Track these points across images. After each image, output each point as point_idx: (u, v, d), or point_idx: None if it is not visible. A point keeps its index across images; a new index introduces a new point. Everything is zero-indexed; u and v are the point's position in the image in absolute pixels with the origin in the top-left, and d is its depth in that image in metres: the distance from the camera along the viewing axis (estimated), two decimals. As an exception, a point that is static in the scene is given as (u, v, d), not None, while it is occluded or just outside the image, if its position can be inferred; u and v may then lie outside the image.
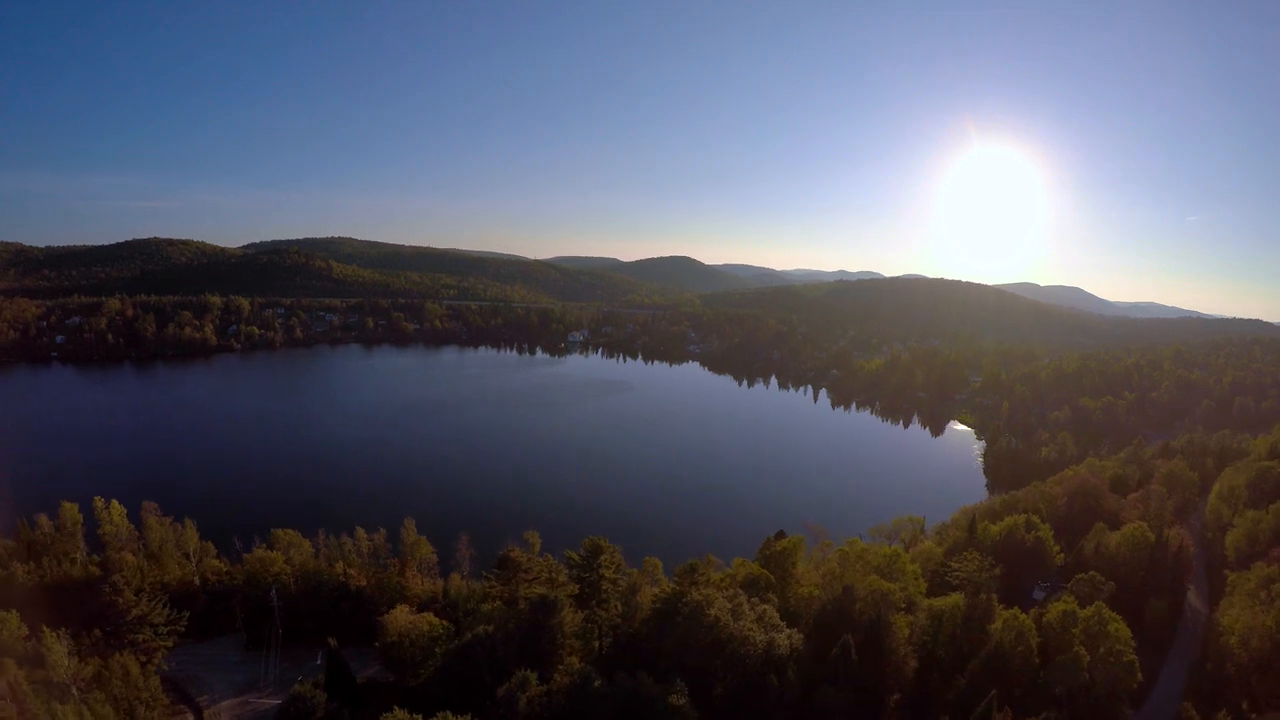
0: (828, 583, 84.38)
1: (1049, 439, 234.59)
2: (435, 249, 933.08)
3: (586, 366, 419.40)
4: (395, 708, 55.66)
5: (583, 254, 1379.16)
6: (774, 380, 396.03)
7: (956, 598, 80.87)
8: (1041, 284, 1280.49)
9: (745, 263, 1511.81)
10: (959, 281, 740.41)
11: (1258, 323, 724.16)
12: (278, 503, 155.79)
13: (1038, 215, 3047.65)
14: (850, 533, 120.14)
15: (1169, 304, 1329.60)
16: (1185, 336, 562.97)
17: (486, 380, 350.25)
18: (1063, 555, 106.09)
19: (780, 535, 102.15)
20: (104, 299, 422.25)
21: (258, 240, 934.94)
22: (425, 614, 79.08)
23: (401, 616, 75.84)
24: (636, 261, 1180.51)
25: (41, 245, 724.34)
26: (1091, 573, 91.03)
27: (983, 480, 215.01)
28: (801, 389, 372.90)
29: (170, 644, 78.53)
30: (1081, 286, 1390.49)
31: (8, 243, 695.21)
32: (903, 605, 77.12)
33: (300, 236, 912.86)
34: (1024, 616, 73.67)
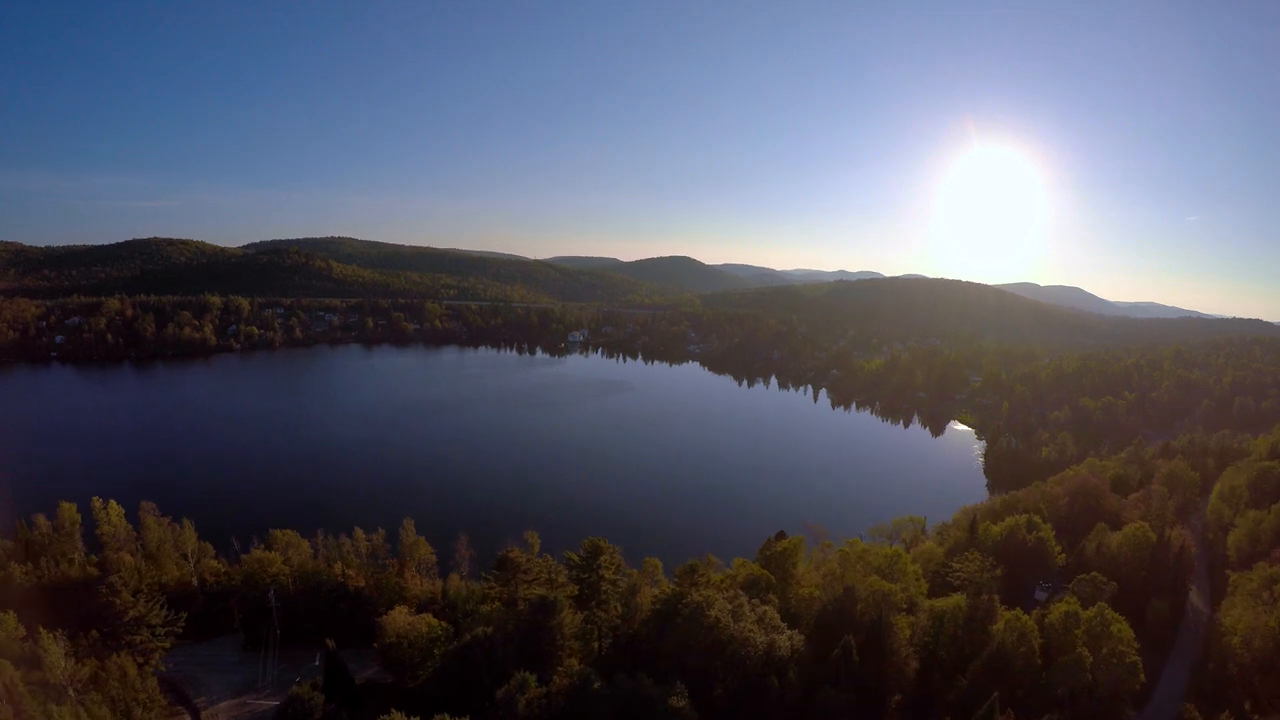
0: (828, 583, 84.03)
1: (1049, 439, 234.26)
2: (435, 249, 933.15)
3: (586, 366, 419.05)
4: (393, 709, 55.33)
5: (583, 254, 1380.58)
6: (774, 380, 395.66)
7: (958, 598, 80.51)
8: (1041, 284, 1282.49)
9: (745, 263, 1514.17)
10: (959, 281, 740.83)
11: (1258, 322, 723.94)
12: (277, 503, 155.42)
13: (1038, 215, 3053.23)
14: (850, 533, 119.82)
15: (1169, 304, 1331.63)
16: (1185, 336, 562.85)
17: (486, 380, 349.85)
18: (1064, 555, 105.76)
19: (781, 535, 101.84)
20: (103, 299, 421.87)
21: (258, 240, 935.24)
22: (424, 615, 78.75)
23: (400, 617, 75.50)
24: (636, 261, 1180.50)
25: (41, 245, 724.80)
26: (1093, 573, 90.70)
27: (983, 480, 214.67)
28: (801, 389, 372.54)
29: (168, 645, 78.19)
30: (1081, 286, 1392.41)
31: (7, 242, 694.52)
32: (904, 606, 76.79)
33: (300, 236, 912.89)
34: (1026, 617, 73.32)
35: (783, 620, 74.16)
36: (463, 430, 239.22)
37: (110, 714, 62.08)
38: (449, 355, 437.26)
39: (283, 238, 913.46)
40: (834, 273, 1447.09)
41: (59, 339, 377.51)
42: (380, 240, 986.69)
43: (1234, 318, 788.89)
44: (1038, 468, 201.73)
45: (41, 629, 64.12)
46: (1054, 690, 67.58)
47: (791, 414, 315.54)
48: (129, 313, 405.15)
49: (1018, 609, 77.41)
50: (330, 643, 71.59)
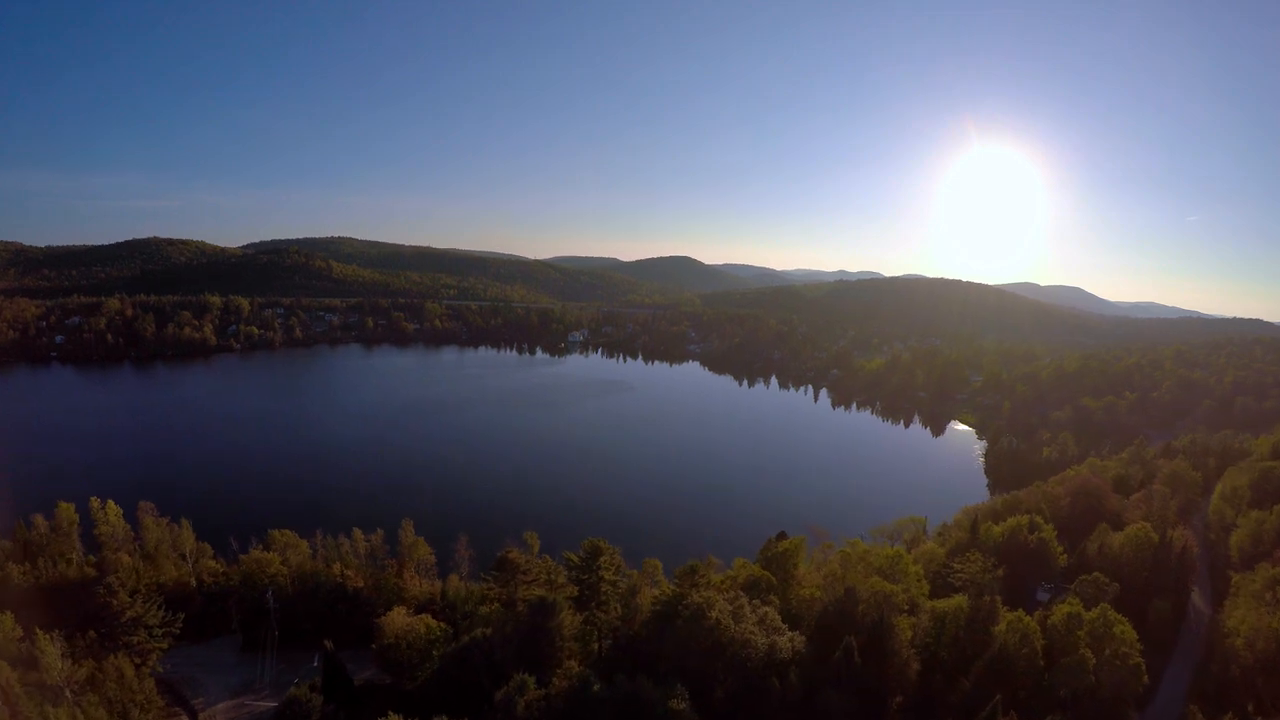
0: (829, 584, 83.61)
1: (1050, 439, 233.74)
2: (435, 249, 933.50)
3: (586, 366, 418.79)
4: (392, 711, 55.01)
5: (583, 254, 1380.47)
6: (774, 380, 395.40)
7: (960, 599, 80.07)
8: (1042, 284, 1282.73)
9: (745, 263, 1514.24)
10: (959, 281, 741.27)
11: (1258, 322, 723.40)
12: (276, 503, 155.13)
13: (1038, 215, 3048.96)
14: (851, 533, 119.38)
15: (1169, 304, 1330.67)
16: (1186, 336, 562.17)
17: (486, 380, 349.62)
18: (1066, 556, 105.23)
19: (781, 536, 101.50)
20: (103, 299, 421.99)
21: (258, 240, 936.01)
22: (423, 616, 78.46)
23: (398, 618, 75.20)
24: (636, 261, 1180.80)
25: (41, 245, 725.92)
26: (1095, 574, 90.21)
27: (984, 480, 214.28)
28: (802, 389, 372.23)
29: (165, 646, 77.80)
30: (1082, 286, 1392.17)
31: (7, 242, 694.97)
32: (905, 607, 76.36)
33: (300, 236, 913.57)
34: (1028, 618, 72.85)
35: (783, 621, 73.74)
36: (462, 430, 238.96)
37: (107, 715, 61.70)
38: (449, 355, 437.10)
39: (283, 238, 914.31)
40: (834, 273, 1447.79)
41: (59, 339, 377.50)
42: (380, 240, 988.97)
43: (1234, 318, 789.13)
44: (1039, 468, 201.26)
45: (38, 629, 63.78)
46: (1056, 692, 67.18)
47: (792, 414, 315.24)
48: (129, 313, 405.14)
49: (1020, 610, 76.92)
50: (328, 643, 71.23)
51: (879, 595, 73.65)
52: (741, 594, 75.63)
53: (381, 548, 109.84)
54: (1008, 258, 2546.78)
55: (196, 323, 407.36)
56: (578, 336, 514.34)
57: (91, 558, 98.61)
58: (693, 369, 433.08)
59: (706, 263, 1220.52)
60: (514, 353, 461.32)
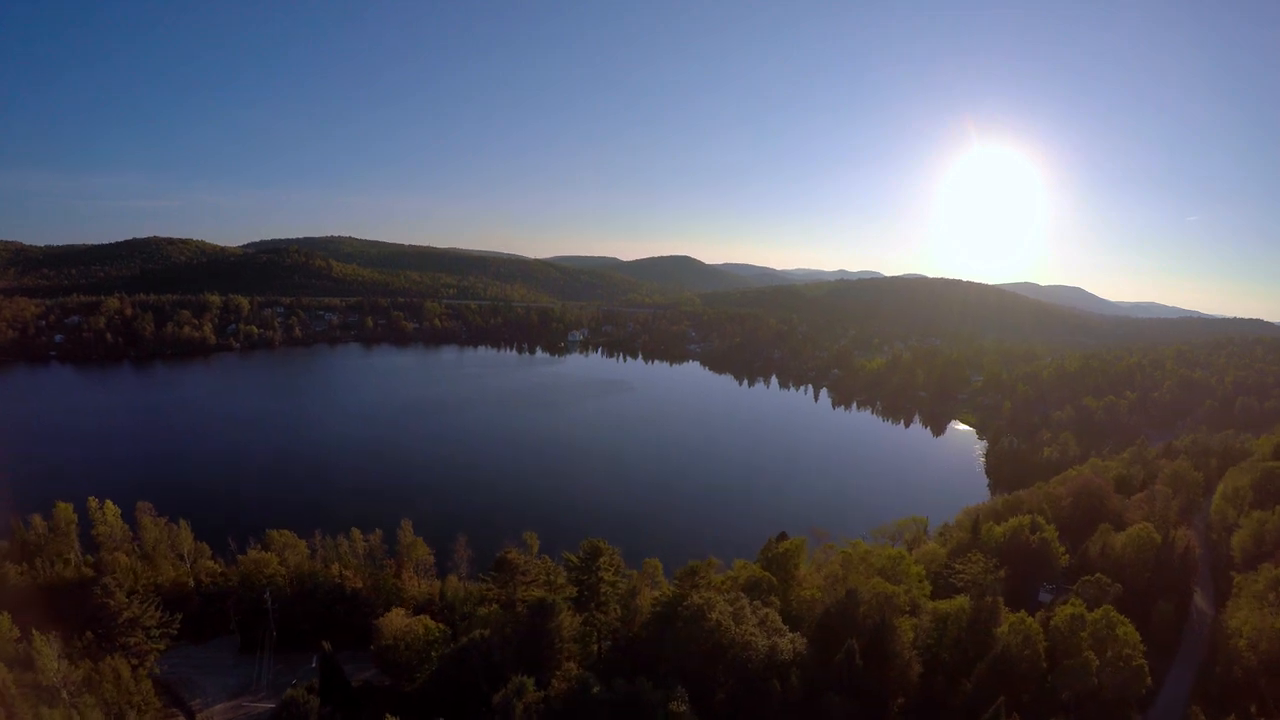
0: (830, 585, 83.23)
1: (1051, 439, 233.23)
2: (435, 248, 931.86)
3: (586, 366, 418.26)
4: (390, 713, 54.69)
5: (583, 253, 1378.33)
6: (774, 380, 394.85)
7: (961, 600, 79.66)
8: (1042, 284, 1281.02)
9: (745, 262, 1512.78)
10: (959, 281, 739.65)
11: (1258, 322, 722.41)
12: (275, 503, 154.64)
13: (1038, 215, 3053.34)
14: (851, 533, 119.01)
15: (1169, 304, 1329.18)
16: (1186, 336, 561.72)
17: (486, 380, 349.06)
18: (1068, 556, 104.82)
19: (782, 536, 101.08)
20: (103, 298, 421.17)
21: (257, 239, 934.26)
22: (421, 617, 77.99)
23: (397, 619, 74.75)
24: (636, 261, 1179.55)
25: (41, 244, 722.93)
26: (1098, 574, 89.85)
27: (985, 480, 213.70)
28: (802, 388, 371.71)
29: (162, 647, 77.44)
30: (1082, 286, 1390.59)
31: (7, 242, 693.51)
32: (907, 608, 75.94)
33: (300, 235, 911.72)
34: (1031, 620, 72.40)
35: (784, 623, 73.36)
36: (462, 430, 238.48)
37: (104, 717, 61.33)
38: (449, 354, 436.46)
39: (282, 237, 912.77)
40: (834, 272, 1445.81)
41: (58, 338, 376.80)
42: (380, 239, 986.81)
43: (1234, 318, 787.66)
44: (1040, 468, 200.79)
45: (34, 630, 63.39)
46: (1059, 694, 66.80)
47: (792, 413, 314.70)
48: (128, 312, 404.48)
49: (1022, 611, 76.44)
50: (326, 645, 70.83)
51: (880, 596, 73.21)
52: (742, 595, 75.20)
53: (380, 548, 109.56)
54: (1008, 258, 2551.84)
55: (196, 322, 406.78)
56: (578, 336, 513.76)
57: (89, 558, 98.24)
58: (693, 369, 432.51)
59: (706, 262, 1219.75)
60: (514, 352, 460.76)
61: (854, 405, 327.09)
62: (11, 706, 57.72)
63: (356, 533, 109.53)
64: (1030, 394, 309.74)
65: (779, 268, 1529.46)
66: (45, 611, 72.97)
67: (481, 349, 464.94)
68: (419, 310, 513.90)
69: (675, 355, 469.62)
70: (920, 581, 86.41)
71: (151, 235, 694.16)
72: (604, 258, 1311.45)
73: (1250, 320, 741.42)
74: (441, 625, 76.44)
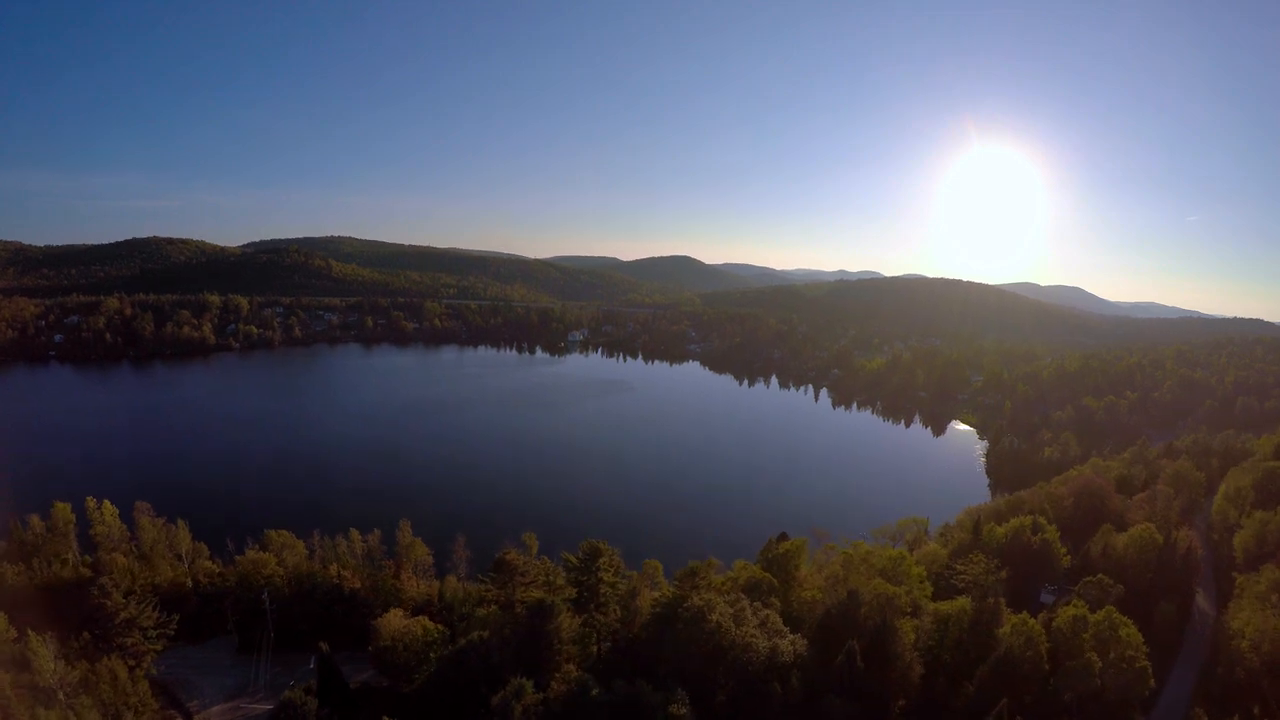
0: (831, 586, 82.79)
1: (1052, 439, 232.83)
2: (435, 248, 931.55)
3: (586, 366, 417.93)
4: (387, 715, 54.33)
5: (583, 253, 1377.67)
6: (774, 380, 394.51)
7: (963, 601, 79.25)
8: (1042, 284, 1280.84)
9: (745, 262, 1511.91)
10: (959, 281, 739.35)
11: (1259, 322, 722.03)
12: (274, 503, 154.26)
13: (1038, 215, 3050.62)
14: (852, 533, 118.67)
15: (1169, 304, 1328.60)
16: (1186, 336, 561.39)
17: (486, 379, 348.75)
18: (1069, 557, 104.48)
19: (783, 537, 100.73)
20: (102, 298, 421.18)
21: (257, 239, 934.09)
22: (420, 618, 77.58)
23: (395, 620, 74.37)
24: (636, 261, 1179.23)
25: (41, 244, 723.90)
26: (1100, 575, 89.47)
27: (985, 480, 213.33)
28: (802, 388, 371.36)
29: (159, 647, 77.07)
30: (1082, 286, 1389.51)
31: (7, 241, 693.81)
32: (908, 609, 75.47)
33: (300, 235, 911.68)
34: (1033, 621, 71.97)
35: (785, 624, 72.93)
36: (462, 430, 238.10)
37: (100, 718, 60.90)
38: (448, 354, 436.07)
39: (282, 237, 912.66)
40: (834, 272, 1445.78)
41: (58, 338, 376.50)
42: (380, 239, 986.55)
43: (1235, 318, 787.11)
44: (1041, 468, 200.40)
45: (30, 631, 63.03)
46: (1061, 696, 66.39)
47: (792, 414, 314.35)
48: (128, 312, 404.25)
49: (1024, 612, 76.04)
50: (324, 646, 70.40)
51: (882, 597, 72.79)
52: (742, 596, 74.80)
53: (379, 548, 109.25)
54: (1008, 258, 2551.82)
55: (195, 322, 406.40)
56: (578, 336, 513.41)
57: (87, 558, 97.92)
58: (693, 368, 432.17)
59: (706, 262, 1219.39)
60: (514, 352, 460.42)
61: (854, 405, 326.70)
62: (8, 708, 57.35)
63: (355, 533, 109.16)
64: (1031, 394, 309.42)
65: (779, 268, 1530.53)
66: (42, 612, 72.63)
67: (481, 349, 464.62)
68: (419, 310, 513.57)
69: (675, 355, 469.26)
70: (921, 582, 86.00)
71: (151, 235, 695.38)
72: (604, 258, 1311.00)
73: (1250, 320, 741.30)
74: (440, 626, 76.04)
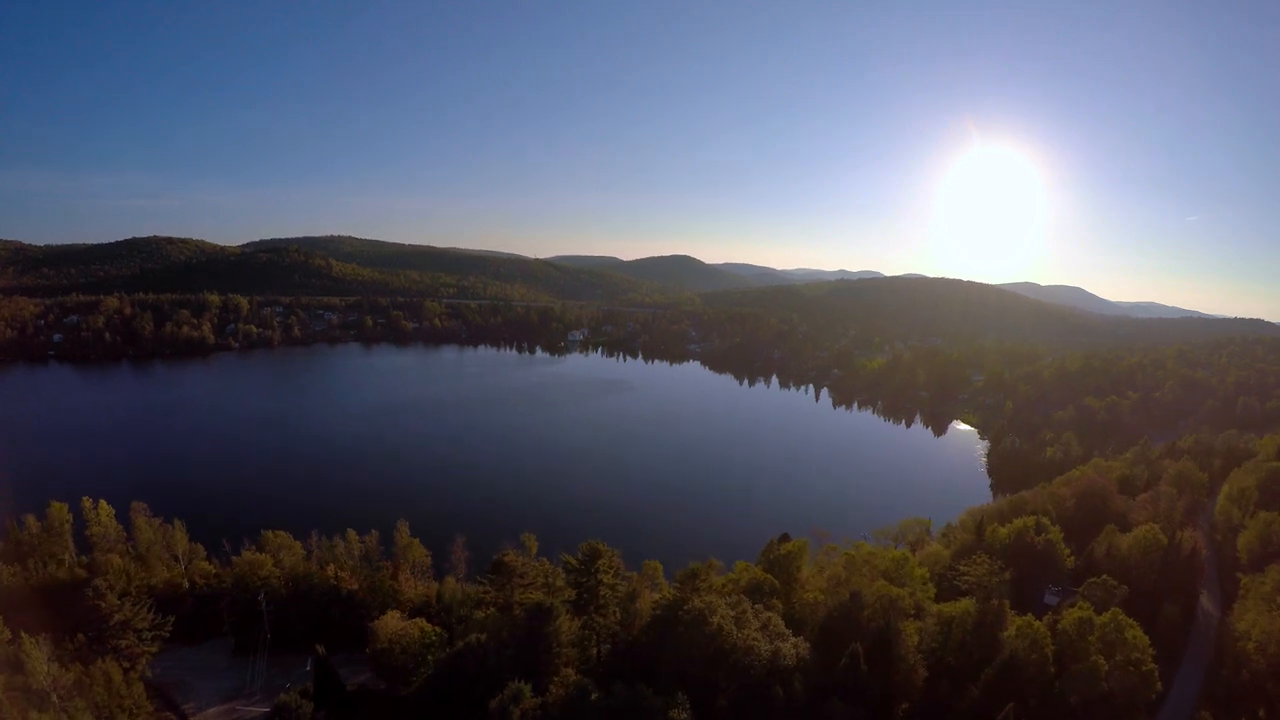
0: (833, 588, 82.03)
1: (1054, 439, 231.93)
2: (435, 248, 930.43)
3: (586, 365, 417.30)
4: (384, 718, 53.49)
5: (583, 253, 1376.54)
6: (775, 380, 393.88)
7: (967, 603, 78.39)
8: (1042, 283, 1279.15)
9: (746, 262, 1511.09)
10: (960, 281, 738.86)
11: (1259, 322, 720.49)
12: (272, 503, 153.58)
13: (1038, 215, 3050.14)
14: (853, 534, 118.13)
15: (1169, 304, 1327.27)
16: (1187, 336, 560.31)
17: (485, 379, 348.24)
18: (1073, 558, 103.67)
19: (784, 538, 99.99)
20: (102, 297, 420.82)
21: (257, 239, 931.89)
22: (417, 620, 76.77)
23: (392, 622, 73.61)
24: (636, 260, 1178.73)
25: (41, 244, 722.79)
26: (1104, 576, 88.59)
27: (986, 481, 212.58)
28: (803, 388, 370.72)
29: (155, 649, 76.37)
30: (1082, 286, 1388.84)
31: (6, 241, 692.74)
32: (911, 611, 74.72)
33: (299, 235, 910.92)
34: (1038, 623, 71.13)
35: (787, 626, 72.14)
36: (461, 430, 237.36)
37: (93, 721, 60.24)
38: (448, 354, 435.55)
39: (282, 236, 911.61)
40: (834, 272, 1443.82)
41: (57, 337, 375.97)
42: (380, 239, 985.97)
43: (1235, 317, 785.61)
44: (1042, 468, 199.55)
45: (22, 633, 62.33)
46: (1067, 699, 65.57)
47: (793, 413, 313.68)
48: (127, 311, 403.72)
49: (1029, 614, 75.29)
50: (320, 649, 69.73)
51: (885, 599, 72.05)
52: (744, 598, 73.98)
53: (376, 549, 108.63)
54: (1008, 258, 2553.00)
55: (195, 321, 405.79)
56: (577, 335, 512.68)
57: (83, 559, 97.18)
58: (693, 368, 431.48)
59: (706, 262, 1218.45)
60: (514, 351, 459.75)
61: (855, 405, 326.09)
62: (1, 710, 56.65)
63: (352, 534, 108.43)
64: (1032, 394, 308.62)
65: (779, 267, 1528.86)
66: (37, 613, 71.97)
67: (481, 348, 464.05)
68: (419, 310, 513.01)
69: (675, 355, 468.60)
70: (924, 584, 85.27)
71: (151, 235, 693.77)
72: (604, 258, 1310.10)
73: (1250, 320, 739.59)
74: (438, 628, 75.23)
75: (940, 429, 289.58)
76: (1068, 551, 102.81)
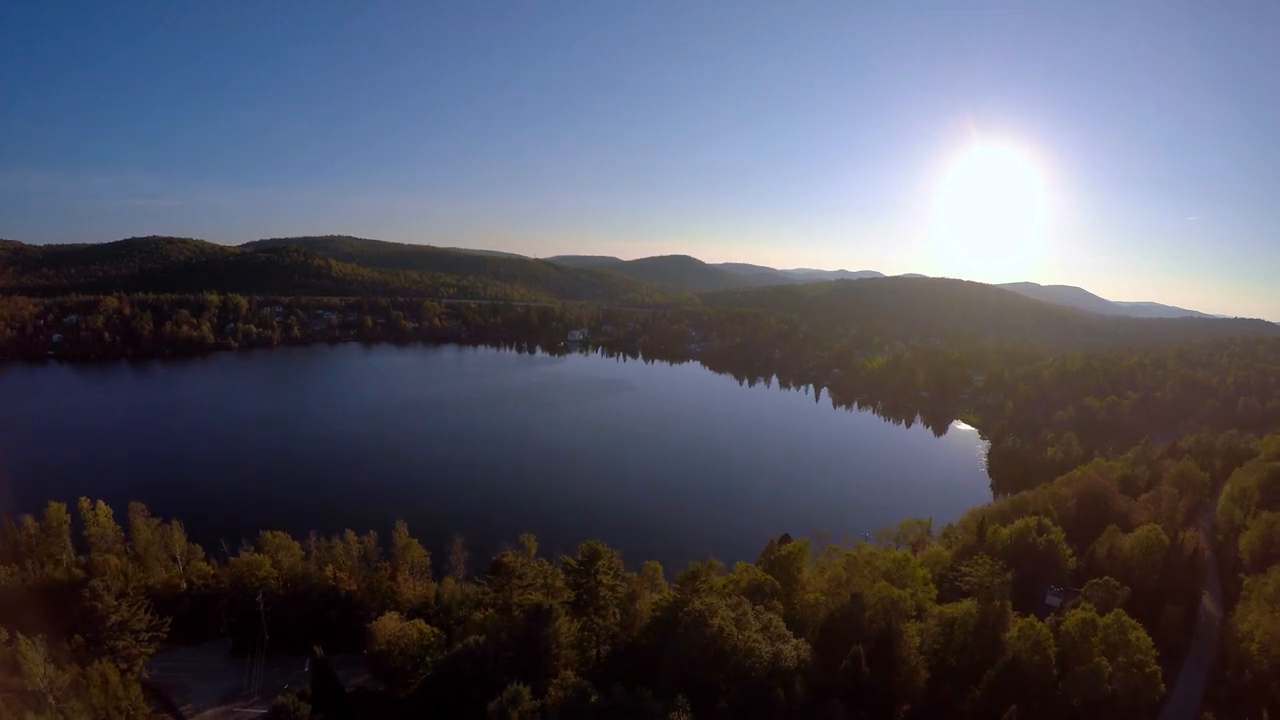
0: (834, 589, 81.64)
1: (1054, 439, 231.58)
2: (435, 248, 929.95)
3: (586, 365, 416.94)
4: (382, 721, 53.13)
5: (583, 253, 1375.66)
6: (775, 380, 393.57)
7: (968, 604, 78.02)
8: (1042, 283, 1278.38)
9: (746, 262, 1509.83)
10: (960, 281, 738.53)
11: (1259, 322, 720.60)
12: (271, 503, 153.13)
13: (1038, 215, 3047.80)
14: (853, 534, 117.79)
15: (1170, 304, 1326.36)
16: (1187, 336, 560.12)
17: (485, 379, 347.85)
18: (1074, 559, 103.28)
19: (785, 538, 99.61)
20: (101, 297, 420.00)
21: (257, 239, 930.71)
22: (416, 621, 76.33)
23: (391, 623, 73.19)
24: (636, 260, 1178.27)
25: (40, 244, 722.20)
26: (1106, 577, 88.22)
27: (987, 481, 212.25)
28: (803, 388, 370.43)
29: (152, 650, 75.85)
30: (1082, 286, 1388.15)
31: (6, 241, 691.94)
32: (913, 612, 74.36)
33: (299, 235, 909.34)
34: (1040, 625, 70.76)
35: (788, 627, 71.74)
36: (460, 430, 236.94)
37: (89, 723, 59.81)
38: (448, 354, 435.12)
39: (282, 236, 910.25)
40: (834, 272, 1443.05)
41: (56, 337, 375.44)
42: (379, 239, 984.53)
43: (1235, 317, 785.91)
44: (1043, 468, 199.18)
45: (19, 634, 61.93)
46: (1070, 701, 65.17)
47: (793, 413, 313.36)
48: (127, 311, 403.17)
49: (1031, 616, 74.94)
50: (318, 650, 69.26)
51: (886, 600, 71.69)
52: (744, 599, 73.58)
53: (375, 550, 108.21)
54: (1008, 258, 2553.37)
55: (194, 321, 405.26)
56: (577, 335, 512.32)
57: (81, 559, 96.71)
58: (693, 368, 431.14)
59: (706, 262, 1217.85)
60: (514, 351, 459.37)
61: (855, 405, 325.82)
62: (-4, 712, 56.32)
63: (351, 534, 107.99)
64: (1032, 394, 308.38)
65: (779, 267, 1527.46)
66: (34, 614, 71.54)
67: (481, 348, 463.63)
68: (419, 310, 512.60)
69: (675, 355, 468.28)
70: (926, 585, 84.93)
71: (151, 235, 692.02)
72: (604, 257, 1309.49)
73: (1251, 320, 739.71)
74: (436, 630, 74.77)
75: (940, 429, 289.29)
76: (1069, 552, 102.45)
